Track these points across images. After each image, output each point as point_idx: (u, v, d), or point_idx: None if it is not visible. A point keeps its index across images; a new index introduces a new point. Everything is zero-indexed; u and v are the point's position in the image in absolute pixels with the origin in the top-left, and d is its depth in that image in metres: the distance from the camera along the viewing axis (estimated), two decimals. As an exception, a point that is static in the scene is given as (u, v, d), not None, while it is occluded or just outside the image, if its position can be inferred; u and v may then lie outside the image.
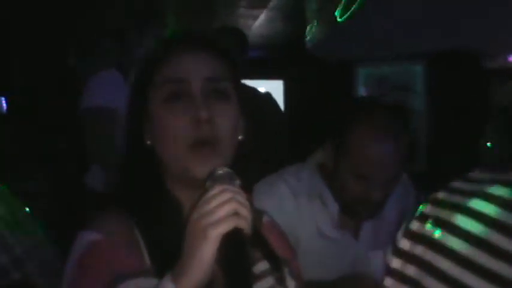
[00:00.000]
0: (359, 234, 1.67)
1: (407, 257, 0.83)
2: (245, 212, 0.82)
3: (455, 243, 0.74)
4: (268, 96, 3.01)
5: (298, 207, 1.61)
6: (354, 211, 1.60)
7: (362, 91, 4.31)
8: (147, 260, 0.92)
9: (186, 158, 0.93)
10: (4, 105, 3.45)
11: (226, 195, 0.82)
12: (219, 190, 0.83)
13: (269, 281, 1.03)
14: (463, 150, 3.49)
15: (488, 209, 0.74)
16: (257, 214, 0.96)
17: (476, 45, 3.70)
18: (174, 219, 0.95)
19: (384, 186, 1.52)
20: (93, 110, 2.31)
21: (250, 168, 1.05)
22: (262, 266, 1.03)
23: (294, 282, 1.06)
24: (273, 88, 3.27)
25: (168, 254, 0.86)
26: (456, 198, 0.80)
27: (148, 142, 0.99)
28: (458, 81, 3.92)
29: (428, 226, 0.82)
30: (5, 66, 3.73)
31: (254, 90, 2.92)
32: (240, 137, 1.00)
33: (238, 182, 0.88)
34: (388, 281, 0.88)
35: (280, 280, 1.04)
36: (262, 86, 3.04)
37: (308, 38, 4.08)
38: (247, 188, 0.91)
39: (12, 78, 3.84)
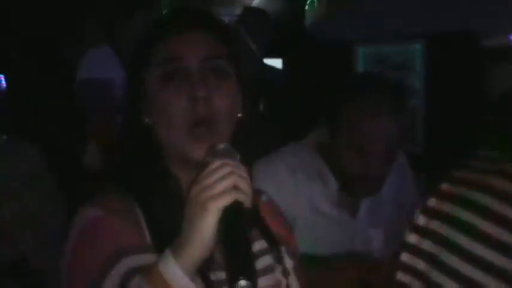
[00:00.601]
0: (357, 212, 1.68)
1: (424, 231, 0.84)
2: (245, 185, 0.82)
3: (471, 218, 0.75)
4: (284, 75, 3.13)
5: (296, 184, 1.62)
6: (353, 189, 1.61)
7: (361, 70, 4.28)
8: (147, 236, 0.93)
9: (183, 139, 0.93)
10: (3, 83, 3.42)
11: (226, 169, 0.81)
12: (219, 164, 0.82)
13: (267, 259, 1.03)
14: (462, 130, 3.49)
15: (504, 184, 0.74)
16: (255, 193, 0.97)
17: (477, 25, 3.67)
18: (174, 195, 0.95)
19: (383, 161, 1.52)
20: (81, 84, 2.41)
21: (254, 144, 1.05)
22: (259, 244, 1.04)
23: (291, 261, 1.07)
24: (272, 67, 3.35)
25: (168, 231, 0.86)
26: (473, 176, 0.81)
27: (147, 120, 0.98)
28: (457, 61, 3.90)
29: (445, 203, 0.82)
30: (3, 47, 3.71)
31: (272, 69, 3.03)
32: (239, 115, 1.00)
33: (238, 156, 0.88)
34: (404, 256, 0.88)
35: (278, 259, 1.05)
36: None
37: (307, 16, 4.05)
38: (248, 163, 0.90)
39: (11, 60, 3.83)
